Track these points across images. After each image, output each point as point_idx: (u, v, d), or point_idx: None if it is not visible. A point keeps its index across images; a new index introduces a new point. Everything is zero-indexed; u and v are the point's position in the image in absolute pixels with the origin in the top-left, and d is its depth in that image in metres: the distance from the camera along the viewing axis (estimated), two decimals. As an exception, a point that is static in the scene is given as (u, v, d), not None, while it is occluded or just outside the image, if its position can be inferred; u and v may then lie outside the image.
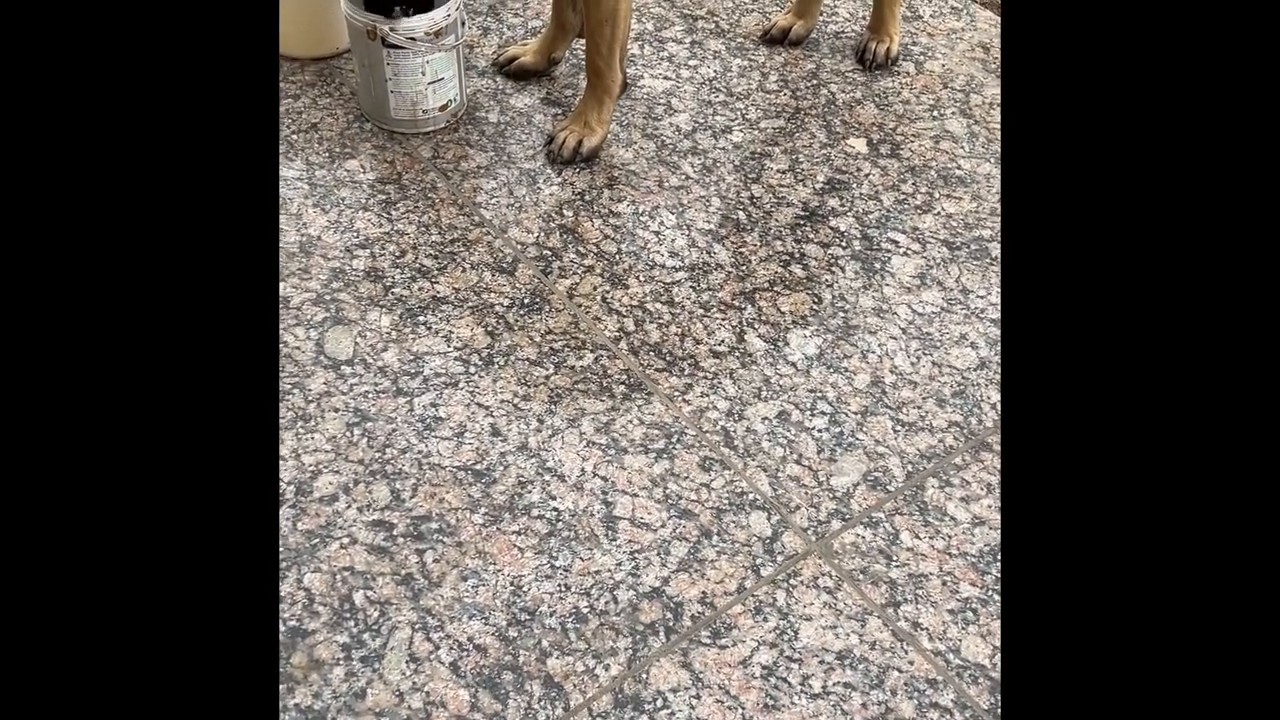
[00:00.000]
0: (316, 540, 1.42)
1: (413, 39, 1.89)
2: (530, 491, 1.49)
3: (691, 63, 2.21)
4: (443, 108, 2.01)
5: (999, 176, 2.00)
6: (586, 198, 1.92)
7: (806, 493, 1.51)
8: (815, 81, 2.18)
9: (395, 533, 1.44)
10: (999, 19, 2.37)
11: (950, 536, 1.47)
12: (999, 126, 2.10)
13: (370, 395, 1.59)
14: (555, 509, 1.47)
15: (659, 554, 1.43)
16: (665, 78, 2.17)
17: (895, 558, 1.44)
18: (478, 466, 1.51)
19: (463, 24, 1.97)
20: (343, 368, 1.63)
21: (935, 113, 2.13)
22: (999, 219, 1.92)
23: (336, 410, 1.57)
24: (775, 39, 2.25)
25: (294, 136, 2.00)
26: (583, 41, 2.00)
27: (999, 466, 1.55)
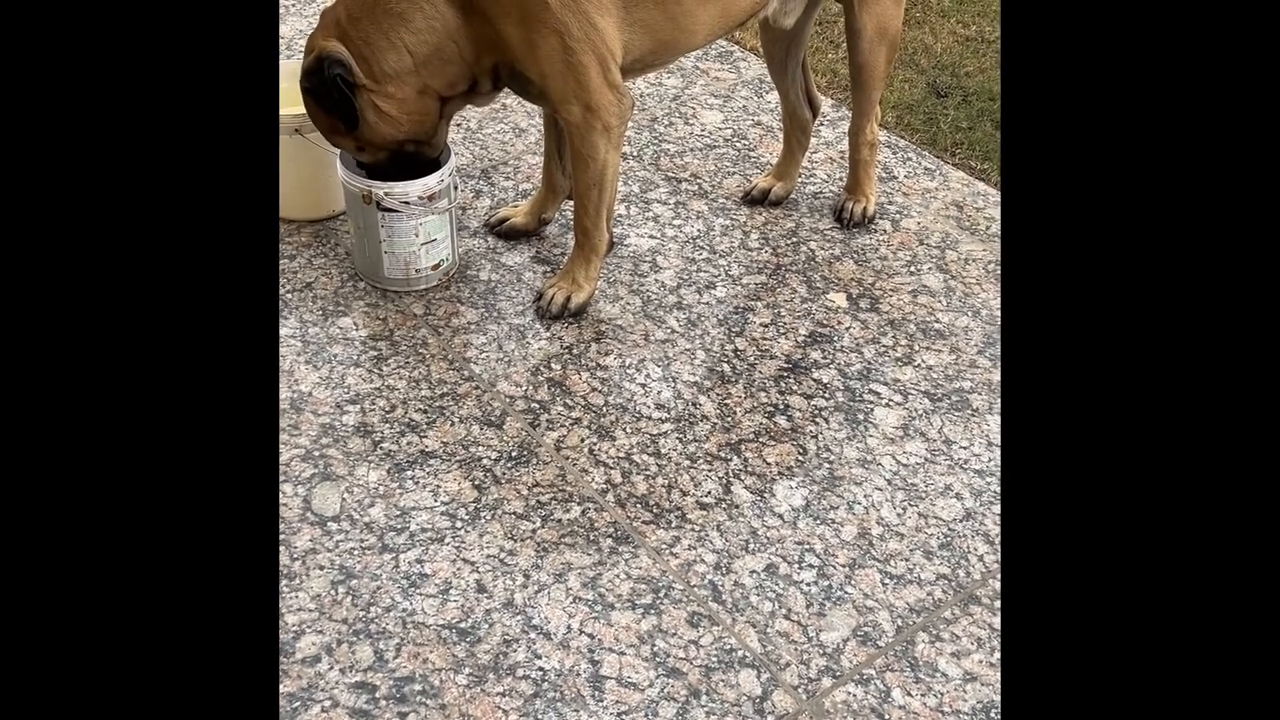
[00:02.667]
0: (298, 704, 1.39)
1: (407, 203, 1.97)
2: (515, 650, 1.47)
3: (676, 222, 2.29)
4: (435, 267, 2.07)
5: (977, 329, 2.05)
6: (574, 351, 1.96)
7: (796, 649, 1.49)
8: (795, 239, 2.26)
9: (378, 695, 1.41)
10: (970, 178, 2.48)
11: (942, 694, 1.44)
12: (974, 280, 2.17)
13: (356, 552, 1.59)
14: (541, 668, 1.45)
15: (646, 715, 1.40)
16: (650, 236, 2.25)
17: (887, 716, 1.41)
18: (462, 625, 1.50)
19: (455, 188, 2.05)
20: (329, 524, 1.63)
21: (912, 268, 2.20)
22: (978, 370, 1.96)
23: (322, 568, 1.56)
24: (756, 199, 2.34)
25: (289, 295, 2.05)
26: (571, 203, 2.08)
27: (989, 620, 1.54)
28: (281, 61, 2.19)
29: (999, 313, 2.09)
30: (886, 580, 1.59)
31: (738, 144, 2.54)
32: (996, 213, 2.37)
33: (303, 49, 1.91)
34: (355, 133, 1.87)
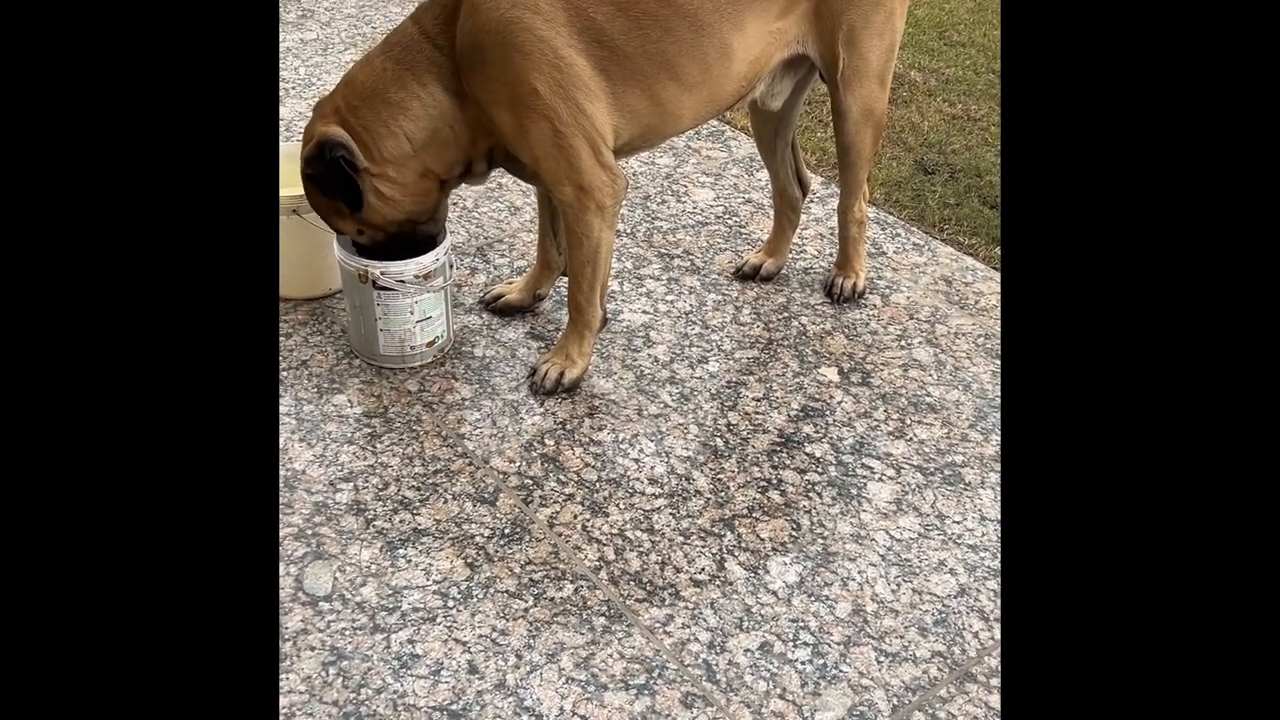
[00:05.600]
0: (284, 789, 1.37)
1: (403, 281, 1.99)
2: (507, 732, 1.45)
3: (669, 298, 2.32)
4: (430, 344, 2.09)
5: (968, 403, 2.06)
6: (568, 427, 1.97)
7: (791, 729, 1.47)
8: (787, 314, 2.29)
9: (367, 780, 1.39)
10: (959, 253, 2.52)
11: (940, 775, 1.42)
12: (964, 354, 2.19)
13: (347, 632, 1.57)
14: (533, 751, 1.43)
15: (640, 799, 1.38)
16: (644, 312, 2.27)
17: (885, 799, 1.39)
18: (453, 707, 1.48)
19: (451, 266, 2.08)
20: (320, 604, 1.62)
21: (903, 342, 2.22)
22: (970, 444, 1.97)
23: (313, 649, 1.55)
24: (747, 275, 2.37)
25: (284, 373, 2.07)
26: (566, 279, 2.10)
27: (985, 699, 1.52)
28: (280, 144, 2.23)
29: (989, 386, 2.11)
30: (882, 658, 1.58)
31: (729, 221, 2.58)
32: (985, 287, 2.40)
33: (301, 136, 1.95)
34: (358, 215, 1.90)
